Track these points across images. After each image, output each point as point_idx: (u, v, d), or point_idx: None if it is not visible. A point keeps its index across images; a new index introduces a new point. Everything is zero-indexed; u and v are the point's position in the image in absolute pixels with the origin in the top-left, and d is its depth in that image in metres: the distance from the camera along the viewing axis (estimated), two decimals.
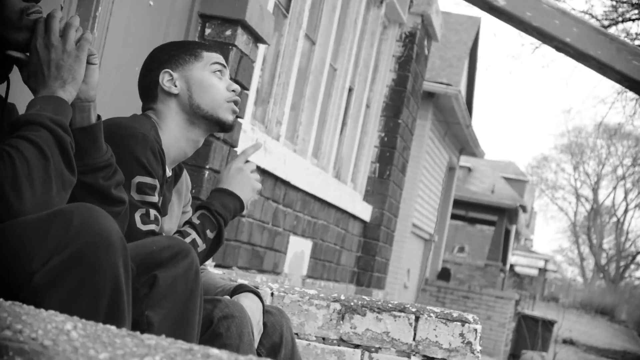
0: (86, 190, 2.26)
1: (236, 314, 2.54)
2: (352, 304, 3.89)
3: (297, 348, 2.94)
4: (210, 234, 2.73)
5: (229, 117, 2.84)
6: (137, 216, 2.55)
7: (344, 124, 7.81)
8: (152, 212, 2.58)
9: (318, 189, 6.75)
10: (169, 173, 2.78)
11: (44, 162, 1.98)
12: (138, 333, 1.43)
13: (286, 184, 6.05)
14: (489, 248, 27.65)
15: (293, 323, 3.90)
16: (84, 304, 1.85)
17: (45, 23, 2.14)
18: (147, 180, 2.59)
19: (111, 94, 3.75)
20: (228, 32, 4.31)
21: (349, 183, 8.04)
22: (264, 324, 2.88)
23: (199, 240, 2.70)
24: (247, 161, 2.94)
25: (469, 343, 3.72)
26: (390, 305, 3.86)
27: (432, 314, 3.78)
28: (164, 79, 2.79)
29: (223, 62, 2.89)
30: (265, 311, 2.92)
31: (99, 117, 2.32)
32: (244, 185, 2.86)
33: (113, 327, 1.46)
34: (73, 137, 2.20)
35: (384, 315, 3.84)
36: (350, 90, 7.75)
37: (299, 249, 6.63)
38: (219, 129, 2.87)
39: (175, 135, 2.78)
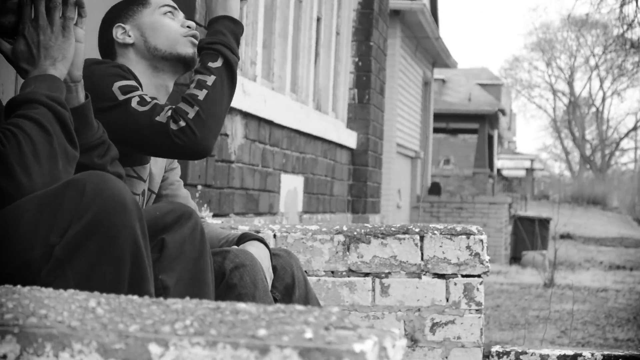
0: (82, 170, 2.25)
1: (247, 263, 2.53)
2: (355, 233, 3.89)
3: (310, 285, 2.94)
4: (213, 64, 2.61)
5: (188, 51, 2.80)
6: (134, 105, 2.55)
7: (317, 54, 7.74)
8: (147, 97, 2.58)
9: (301, 124, 6.72)
10: None
11: (48, 138, 1.99)
12: (162, 299, 1.42)
13: (270, 123, 6.02)
14: (475, 156, 27.73)
15: (300, 261, 3.90)
16: (107, 270, 1.86)
17: (32, 5, 2.16)
18: (126, 82, 2.59)
19: None
20: None
21: (331, 113, 8.01)
22: (274, 268, 2.87)
23: (203, 77, 2.60)
24: None
25: (477, 254, 3.73)
26: (393, 229, 3.85)
27: (436, 232, 3.78)
28: (117, 33, 2.80)
29: (172, 4, 2.88)
30: (273, 255, 2.91)
31: (87, 95, 2.32)
32: (231, 2, 2.73)
33: (136, 297, 1.44)
34: None
35: (388, 239, 3.84)
36: (318, 19, 7.67)
37: (291, 186, 6.61)
38: (182, 67, 2.83)
39: (144, 83, 2.77)
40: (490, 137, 29.53)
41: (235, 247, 2.63)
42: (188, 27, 2.83)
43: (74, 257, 1.85)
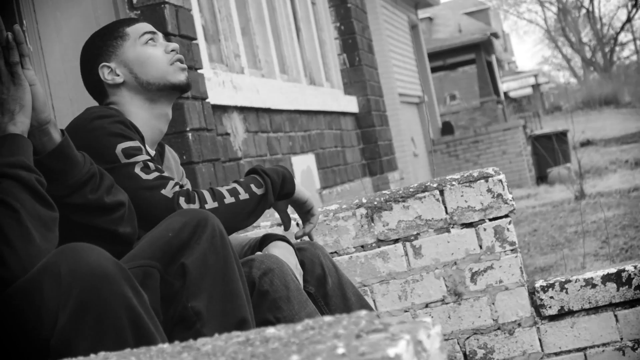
0: (80, 210, 2.20)
1: (274, 266, 2.51)
2: (375, 203, 3.86)
3: (341, 272, 2.92)
4: (255, 189, 2.64)
5: (181, 78, 2.78)
6: (137, 171, 2.51)
7: (297, 30, 7.69)
8: (151, 164, 2.54)
9: (299, 102, 6.68)
10: (152, 153, 2.73)
11: (15, 215, 1.87)
12: (191, 342, 1.40)
13: (267, 110, 5.99)
14: (478, 86, 27.59)
15: (328, 243, 3.88)
16: (110, 345, 1.76)
17: None
18: (129, 144, 2.54)
19: (70, 99, 3.67)
20: None
21: (325, 84, 7.96)
22: (301, 263, 2.86)
23: (240, 189, 2.62)
24: None
25: (499, 195, 3.70)
26: (411, 189, 3.83)
27: (454, 183, 3.75)
28: (104, 73, 2.74)
29: (150, 29, 2.82)
30: (297, 250, 2.90)
31: (62, 132, 2.22)
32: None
33: (166, 346, 1.42)
34: (46, 163, 2.12)
35: (409, 201, 3.82)
36: None
37: (304, 166, 6.59)
38: (178, 93, 2.81)
39: (143, 117, 2.72)
40: (489, 63, 29.36)
41: (259, 252, 2.61)
42: (172, 50, 2.79)
43: (73, 345, 1.76)
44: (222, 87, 5.13)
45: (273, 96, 6.09)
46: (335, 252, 3.88)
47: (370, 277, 3.84)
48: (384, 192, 3.93)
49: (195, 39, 4.49)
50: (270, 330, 1.37)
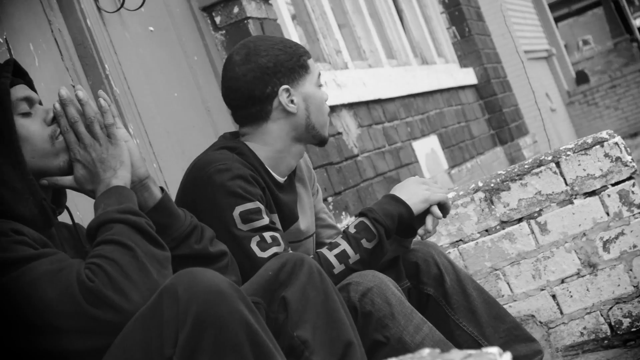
0: (186, 261, 2.24)
1: (371, 285, 2.43)
2: (492, 185, 3.75)
3: (458, 267, 2.82)
4: (367, 244, 2.55)
5: (327, 133, 2.74)
6: (253, 246, 2.45)
7: (399, 11, 7.55)
8: (267, 234, 2.47)
9: (410, 86, 6.56)
10: (280, 180, 2.66)
11: (131, 253, 1.95)
12: None
13: (378, 101, 5.89)
14: (609, 27, 26.77)
15: (451, 232, 3.79)
16: None
17: (74, 130, 2.12)
18: (248, 206, 2.47)
19: (167, 132, 3.66)
20: (235, 10, 4.18)
21: (438, 60, 7.80)
22: (415, 265, 2.77)
23: (349, 251, 2.54)
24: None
25: (618, 158, 3.54)
26: (526, 166, 3.70)
27: (569, 153, 3.60)
28: (284, 96, 2.60)
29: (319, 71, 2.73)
30: (410, 251, 2.81)
31: (162, 189, 2.30)
32: (413, 192, 2.63)
33: None
34: (149, 218, 2.18)
35: (526, 178, 3.69)
36: None
37: (427, 149, 6.46)
38: (318, 145, 2.76)
39: (282, 153, 2.65)
40: (616, 1, 28.43)
41: (356, 273, 2.51)
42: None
43: None
44: (325, 87, 5.06)
45: (381, 86, 5.98)
46: (460, 240, 3.79)
47: (500, 261, 3.74)
48: (499, 172, 3.82)
49: None
50: None
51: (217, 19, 4.21)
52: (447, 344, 2.40)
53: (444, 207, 2.68)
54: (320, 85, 2.70)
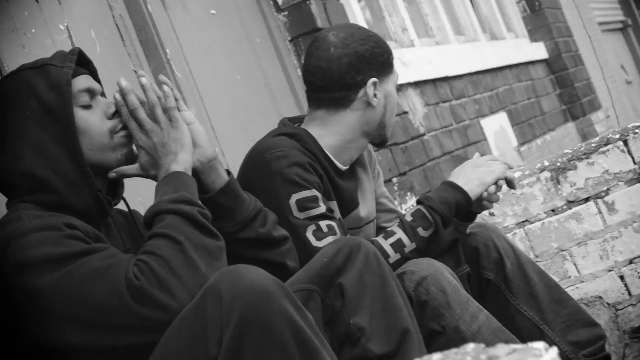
0: (251, 244, 2.27)
1: (425, 273, 2.40)
2: (558, 164, 3.70)
3: (519, 251, 2.78)
4: (423, 232, 2.52)
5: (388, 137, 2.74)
6: (309, 235, 2.44)
7: None
8: (323, 223, 2.45)
9: (478, 63, 6.48)
10: (342, 167, 2.65)
11: (178, 247, 1.92)
12: None
13: (444, 79, 5.83)
14: None
15: (517, 212, 3.74)
16: (277, 358, 1.80)
17: (133, 117, 2.12)
18: (304, 194, 2.46)
19: (229, 115, 3.67)
20: None
21: (508, 35, 7.70)
22: (475, 249, 2.74)
23: (405, 240, 2.51)
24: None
25: None
26: (593, 144, 3.64)
27: (637, 131, 3.53)
28: (371, 89, 2.60)
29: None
30: (469, 234, 2.78)
31: (228, 172, 2.30)
32: (469, 177, 2.60)
33: None
34: (216, 201, 2.22)
35: (593, 157, 3.63)
36: None
37: (496, 126, 6.39)
38: (377, 145, 2.76)
39: (347, 143, 2.64)
40: None
41: (410, 262, 2.49)
42: None
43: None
44: None
45: (448, 63, 5.92)
46: (527, 220, 3.75)
47: (566, 241, 3.69)
48: (565, 151, 3.77)
49: None
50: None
51: (280, 0, 4.20)
52: (504, 332, 2.37)
53: (508, 182, 2.65)
54: (396, 89, 2.70)
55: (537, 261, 3.73)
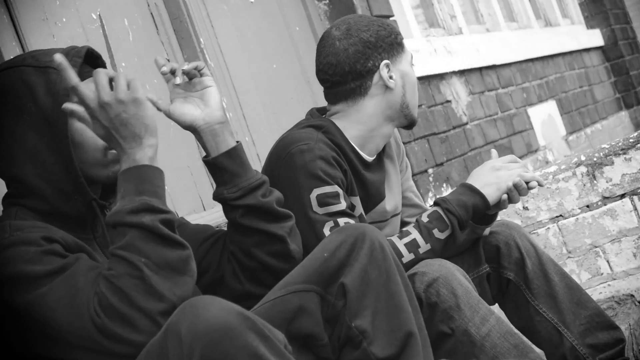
0: (252, 213, 2.20)
1: (436, 274, 2.38)
2: (595, 159, 3.66)
3: (541, 251, 2.75)
4: (439, 234, 2.50)
5: (417, 115, 2.72)
6: (326, 231, 2.41)
7: None
8: (342, 220, 2.43)
9: (530, 51, 6.42)
10: (369, 159, 2.66)
11: (138, 274, 1.84)
12: None
13: (492, 67, 5.78)
14: None
15: (551, 207, 3.72)
16: None
17: (94, 81, 1.93)
18: (326, 189, 2.44)
19: (263, 104, 3.69)
20: None
21: (563, 22, 7.60)
22: (496, 248, 2.71)
23: (420, 240, 2.50)
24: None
25: None
26: (631, 140, 3.60)
27: None
28: (385, 71, 2.58)
29: None
30: (491, 233, 2.75)
31: (237, 141, 2.24)
32: (487, 181, 2.57)
33: None
34: (220, 163, 2.17)
35: (630, 153, 3.60)
36: None
37: (544, 115, 6.33)
38: (407, 127, 2.73)
39: (373, 131, 2.62)
40: None
41: (422, 262, 2.47)
42: None
43: None
44: (434, 55, 5.00)
45: (496, 51, 5.87)
46: (560, 215, 3.72)
47: (600, 237, 3.66)
48: (602, 146, 3.72)
49: (392, 15, 4.40)
50: None
51: None
52: (514, 336, 2.35)
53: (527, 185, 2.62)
54: (412, 66, 2.68)
55: (569, 257, 3.70)
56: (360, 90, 2.60)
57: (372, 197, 2.65)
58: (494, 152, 2.72)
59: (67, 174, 1.98)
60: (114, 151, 1.99)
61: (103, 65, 2.14)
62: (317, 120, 2.62)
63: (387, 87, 2.59)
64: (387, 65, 2.58)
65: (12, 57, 2.14)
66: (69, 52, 2.04)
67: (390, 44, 2.59)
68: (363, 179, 2.61)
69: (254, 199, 2.19)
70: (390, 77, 2.59)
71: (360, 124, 2.61)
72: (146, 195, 1.91)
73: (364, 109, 2.61)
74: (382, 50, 2.58)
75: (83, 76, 2.01)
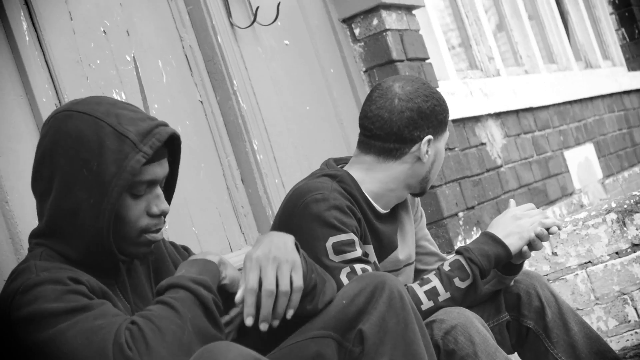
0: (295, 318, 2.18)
1: (454, 322, 2.41)
2: (625, 206, 3.66)
3: (561, 300, 2.76)
4: (460, 283, 2.54)
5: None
6: (343, 277, 2.45)
7: (563, 13, 7.38)
8: (358, 266, 2.47)
9: (569, 93, 6.42)
10: (382, 211, 2.70)
11: (180, 323, 1.89)
12: None
13: (529, 110, 5.79)
14: None
15: (580, 252, 3.72)
16: None
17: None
18: (341, 237, 2.49)
19: (294, 146, 3.73)
20: (375, 22, 4.19)
21: (604, 63, 7.59)
22: (517, 296, 2.73)
23: (440, 289, 2.53)
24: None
25: None
26: None
27: None
28: (425, 146, 2.64)
29: None
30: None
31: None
32: (510, 230, 2.61)
33: None
34: None
35: None
36: None
37: (581, 158, 6.31)
38: (415, 195, 2.81)
39: (389, 192, 2.67)
40: None
41: (441, 310, 2.50)
42: None
43: None
44: (470, 97, 5.03)
45: (534, 94, 5.88)
46: (589, 261, 3.72)
47: (628, 285, 3.66)
48: (633, 193, 3.72)
49: (427, 58, 4.43)
50: None
51: (357, 31, 4.24)
52: None
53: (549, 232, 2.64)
54: (445, 149, 2.75)
55: (597, 304, 3.70)
56: (396, 153, 2.65)
57: (384, 246, 2.69)
58: (512, 201, 2.75)
59: (100, 238, 2.00)
60: (147, 235, 2.07)
61: (178, 145, 2.17)
62: (332, 170, 2.68)
63: (419, 159, 2.65)
64: (429, 141, 2.64)
65: (89, 97, 2.11)
66: (151, 131, 2.04)
67: (440, 121, 2.66)
68: (375, 229, 2.65)
69: (300, 309, 2.14)
70: (427, 152, 2.64)
71: (381, 182, 2.65)
72: (206, 277, 2.00)
73: (391, 170, 2.66)
74: (431, 125, 2.64)
75: (157, 157, 2.05)
